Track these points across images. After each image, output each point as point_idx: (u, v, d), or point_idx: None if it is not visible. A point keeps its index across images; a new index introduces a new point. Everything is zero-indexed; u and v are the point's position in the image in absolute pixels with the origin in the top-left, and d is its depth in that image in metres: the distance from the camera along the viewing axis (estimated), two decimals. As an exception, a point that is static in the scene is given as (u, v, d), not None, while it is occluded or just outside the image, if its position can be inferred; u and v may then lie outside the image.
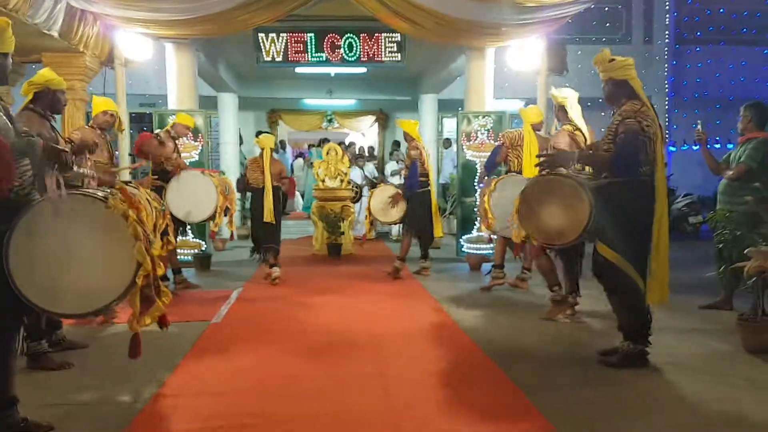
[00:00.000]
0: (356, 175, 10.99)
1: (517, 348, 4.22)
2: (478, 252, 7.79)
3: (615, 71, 3.71)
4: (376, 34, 8.98)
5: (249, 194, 7.25)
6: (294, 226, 11.76)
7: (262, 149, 6.74)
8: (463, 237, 8.05)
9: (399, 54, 9.10)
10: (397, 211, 7.39)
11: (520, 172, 5.78)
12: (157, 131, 6.58)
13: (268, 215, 6.57)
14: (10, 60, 2.87)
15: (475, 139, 8.01)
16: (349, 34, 9.01)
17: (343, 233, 8.99)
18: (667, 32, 12.83)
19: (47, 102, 3.68)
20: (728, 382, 3.46)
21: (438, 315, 5.19)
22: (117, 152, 5.39)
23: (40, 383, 3.44)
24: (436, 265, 7.60)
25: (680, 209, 11.20)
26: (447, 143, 13.07)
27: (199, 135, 7.78)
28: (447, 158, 12.68)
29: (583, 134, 4.94)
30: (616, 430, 2.87)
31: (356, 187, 10.28)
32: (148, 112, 11.04)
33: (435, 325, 4.83)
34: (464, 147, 8.08)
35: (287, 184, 7.13)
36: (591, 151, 4.05)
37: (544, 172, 4.11)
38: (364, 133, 16.31)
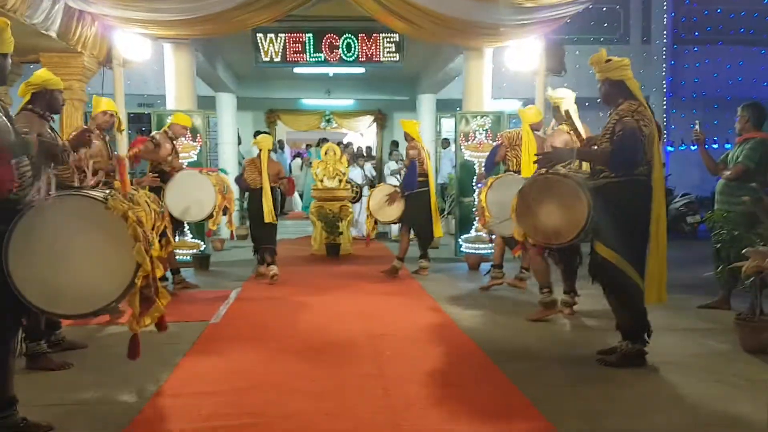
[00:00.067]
0: (356, 174, 10.98)
1: (516, 347, 4.23)
2: (477, 252, 7.80)
3: (611, 71, 3.72)
4: (374, 35, 9.00)
5: (246, 194, 7.25)
6: (292, 226, 11.76)
7: (260, 150, 6.74)
8: (462, 237, 8.06)
9: (397, 54, 9.12)
10: (395, 210, 7.39)
11: (518, 172, 5.79)
12: (152, 133, 6.57)
13: (269, 216, 6.58)
14: (9, 60, 2.86)
15: (474, 139, 8.00)
16: (347, 35, 9.04)
17: (341, 233, 8.99)
18: (665, 32, 12.83)
19: (45, 102, 3.67)
20: (726, 381, 3.48)
21: (437, 315, 5.19)
22: (116, 153, 5.38)
23: (40, 383, 3.44)
24: (435, 265, 7.60)
25: (678, 209, 11.21)
26: (445, 143, 13.06)
27: (198, 135, 7.77)
28: (445, 158, 12.67)
29: (579, 135, 4.94)
30: (614, 428, 2.88)
31: (356, 187, 10.28)
32: (146, 113, 11.05)
33: (434, 325, 4.83)
34: (462, 147, 8.08)
35: (285, 184, 7.13)
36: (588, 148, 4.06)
37: (542, 171, 4.12)
38: (363, 133, 16.32)
